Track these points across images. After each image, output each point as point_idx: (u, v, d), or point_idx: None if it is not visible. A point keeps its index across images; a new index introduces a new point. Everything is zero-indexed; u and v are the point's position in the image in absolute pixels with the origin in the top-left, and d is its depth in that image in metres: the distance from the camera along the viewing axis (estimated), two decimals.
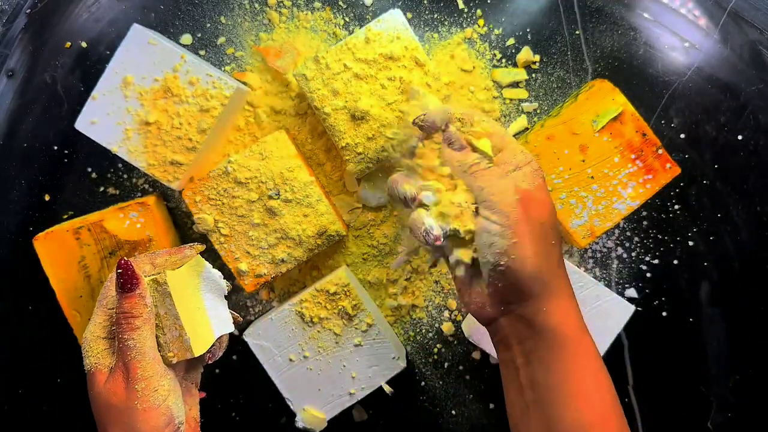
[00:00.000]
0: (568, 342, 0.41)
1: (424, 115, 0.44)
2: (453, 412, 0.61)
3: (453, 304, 0.60)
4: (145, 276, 0.46)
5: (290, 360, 0.56)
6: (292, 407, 0.56)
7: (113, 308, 0.45)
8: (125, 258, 0.44)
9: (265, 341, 0.55)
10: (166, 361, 0.45)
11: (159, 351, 0.45)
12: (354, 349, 0.56)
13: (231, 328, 0.50)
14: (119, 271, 0.44)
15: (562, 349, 0.41)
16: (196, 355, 0.46)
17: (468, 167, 0.43)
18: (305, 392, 0.56)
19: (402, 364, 0.56)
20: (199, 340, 0.46)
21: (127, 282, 0.44)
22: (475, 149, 0.43)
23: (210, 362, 0.50)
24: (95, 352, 0.44)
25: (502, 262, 0.40)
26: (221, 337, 0.49)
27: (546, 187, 0.43)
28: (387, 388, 0.57)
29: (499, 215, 0.41)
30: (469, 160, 0.43)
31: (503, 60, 0.58)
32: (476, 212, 0.42)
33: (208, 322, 0.48)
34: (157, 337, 0.45)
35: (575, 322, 0.42)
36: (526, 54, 0.58)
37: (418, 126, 0.45)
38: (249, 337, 0.56)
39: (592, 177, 0.54)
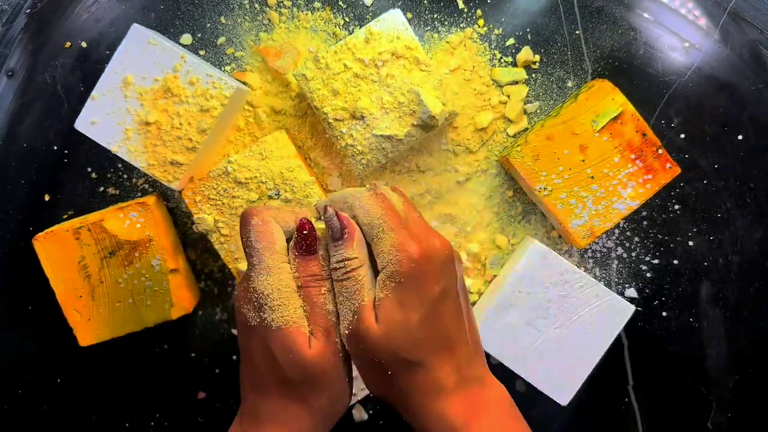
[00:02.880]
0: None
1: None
2: None
3: None
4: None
5: None
6: None
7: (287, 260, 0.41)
8: (306, 218, 0.41)
9: None
10: None
11: None
12: None
13: None
14: (304, 232, 0.40)
15: None
16: None
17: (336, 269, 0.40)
18: None
19: None
20: None
21: (312, 244, 0.40)
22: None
23: None
24: (293, 307, 0.39)
25: None
26: None
27: (401, 294, 0.38)
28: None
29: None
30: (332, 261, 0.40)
31: (503, 60, 0.58)
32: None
33: None
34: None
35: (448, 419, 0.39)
36: (526, 54, 0.58)
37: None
38: None
39: (592, 177, 0.54)
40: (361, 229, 0.40)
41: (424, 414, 0.39)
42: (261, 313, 0.39)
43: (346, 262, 0.39)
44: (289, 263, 0.41)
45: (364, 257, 0.40)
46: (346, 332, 0.39)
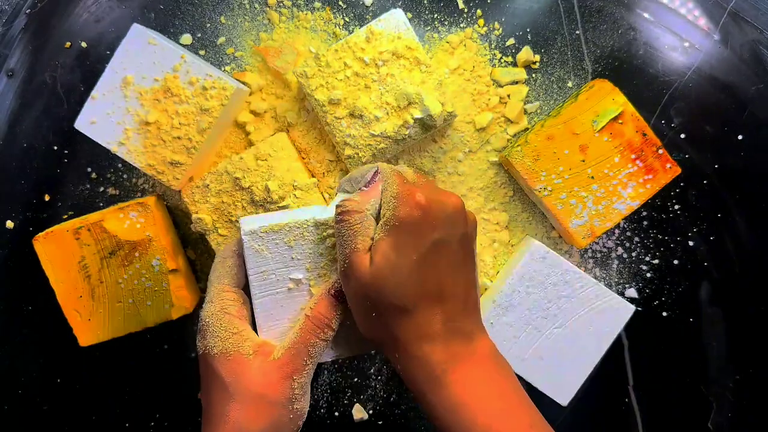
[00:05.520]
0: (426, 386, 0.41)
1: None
2: None
3: None
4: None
5: None
6: None
7: (236, 287, 0.46)
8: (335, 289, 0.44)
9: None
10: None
11: None
12: None
13: None
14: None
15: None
16: None
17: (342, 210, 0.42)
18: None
19: None
20: None
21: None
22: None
23: None
24: (229, 332, 0.43)
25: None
26: None
27: (391, 243, 0.40)
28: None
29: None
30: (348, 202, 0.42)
31: (503, 60, 0.58)
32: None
33: None
34: None
35: (431, 368, 0.40)
36: (526, 54, 0.58)
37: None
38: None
39: (592, 177, 0.54)
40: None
41: (408, 358, 0.40)
42: (203, 340, 0.43)
43: (339, 207, 0.42)
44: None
45: (365, 207, 0.42)
46: (339, 272, 0.42)
